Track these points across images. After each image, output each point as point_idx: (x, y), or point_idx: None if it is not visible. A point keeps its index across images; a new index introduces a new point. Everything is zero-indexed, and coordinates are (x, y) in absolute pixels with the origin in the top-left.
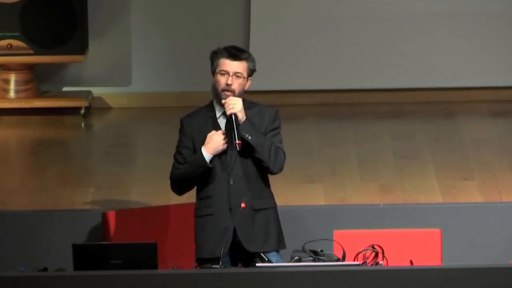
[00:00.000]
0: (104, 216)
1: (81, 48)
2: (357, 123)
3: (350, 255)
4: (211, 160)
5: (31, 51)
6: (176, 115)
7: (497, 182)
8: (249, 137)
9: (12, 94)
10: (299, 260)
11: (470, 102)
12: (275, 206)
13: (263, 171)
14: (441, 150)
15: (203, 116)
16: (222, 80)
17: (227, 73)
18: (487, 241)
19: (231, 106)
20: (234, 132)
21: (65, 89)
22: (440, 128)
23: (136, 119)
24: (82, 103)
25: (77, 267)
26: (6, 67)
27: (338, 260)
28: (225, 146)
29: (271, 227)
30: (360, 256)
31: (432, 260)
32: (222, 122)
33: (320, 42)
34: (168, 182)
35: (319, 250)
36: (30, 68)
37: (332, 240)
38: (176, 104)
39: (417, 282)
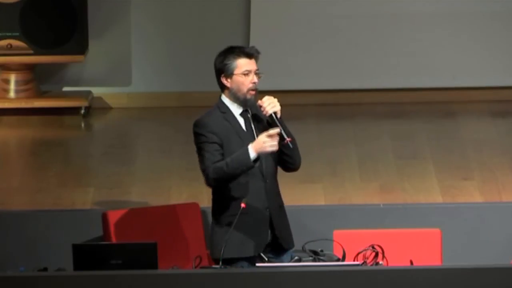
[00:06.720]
0: (104, 216)
1: (81, 48)
2: (357, 123)
3: (350, 255)
4: (256, 159)
5: (31, 51)
6: (176, 115)
7: (497, 182)
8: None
9: (12, 94)
10: (299, 260)
11: (470, 102)
12: None
13: (280, 168)
14: (441, 150)
15: (218, 117)
16: (246, 80)
17: (250, 72)
18: (487, 241)
19: (272, 105)
20: (281, 130)
21: (65, 89)
22: (440, 128)
23: (136, 119)
24: (82, 103)
25: (77, 267)
26: (6, 67)
27: (338, 260)
28: (275, 147)
29: (288, 224)
30: (360, 256)
31: (432, 260)
32: (241, 121)
33: (320, 42)
34: (168, 181)
35: (319, 250)
36: (30, 68)
37: (332, 240)
38: (176, 104)
39: (417, 282)
